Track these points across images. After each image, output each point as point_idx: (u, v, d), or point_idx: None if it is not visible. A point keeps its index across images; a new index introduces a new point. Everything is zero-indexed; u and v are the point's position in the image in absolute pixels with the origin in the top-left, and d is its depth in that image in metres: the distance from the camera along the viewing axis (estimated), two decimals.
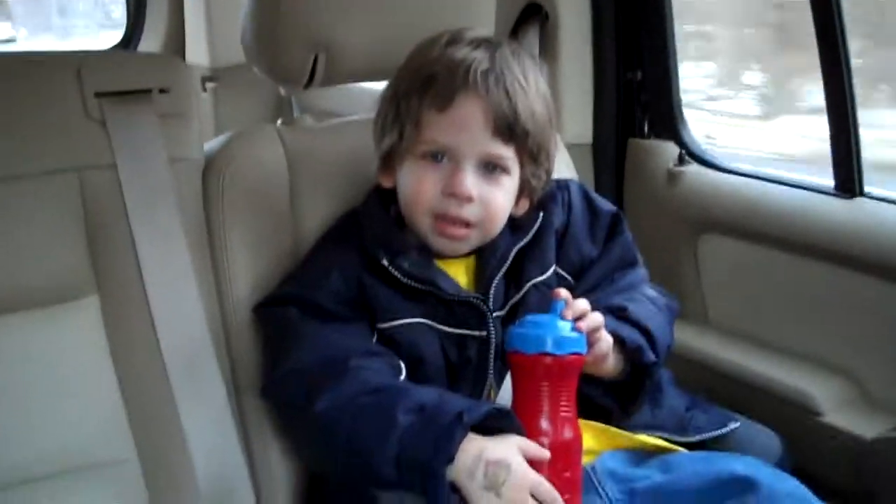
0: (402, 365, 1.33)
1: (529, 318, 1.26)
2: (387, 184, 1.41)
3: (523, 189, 1.40)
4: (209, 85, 2.93)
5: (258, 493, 1.41)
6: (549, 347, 1.21)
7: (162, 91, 1.43)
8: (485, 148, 1.33)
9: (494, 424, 1.20)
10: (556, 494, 1.18)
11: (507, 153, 1.34)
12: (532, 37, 2.01)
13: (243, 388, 1.44)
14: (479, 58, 1.32)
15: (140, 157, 1.40)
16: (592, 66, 2.05)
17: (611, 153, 2.06)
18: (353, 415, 1.23)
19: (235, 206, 1.46)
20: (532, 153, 1.36)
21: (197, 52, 2.97)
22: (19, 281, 1.33)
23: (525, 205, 1.42)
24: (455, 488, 1.18)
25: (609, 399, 1.35)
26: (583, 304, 1.26)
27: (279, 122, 1.60)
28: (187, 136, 1.47)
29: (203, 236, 1.45)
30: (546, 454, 1.20)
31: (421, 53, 1.37)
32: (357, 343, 1.32)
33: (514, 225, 1.42)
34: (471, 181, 1.32)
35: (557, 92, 2.03)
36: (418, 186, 1.35)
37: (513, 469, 1.17)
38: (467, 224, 1.35)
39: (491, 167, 1.34)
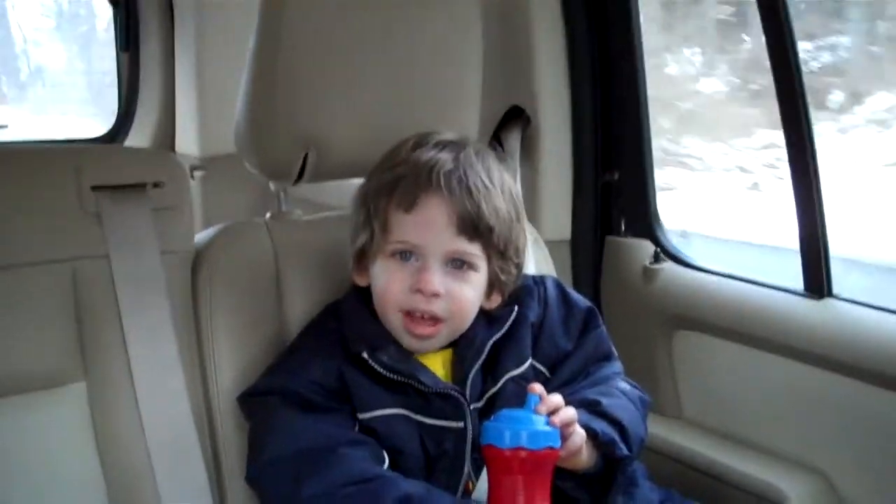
0: (385, 454, 1.35)
1: (504, 412, 1.29)
2: (361, 282, 1.46)
3: (493, 284, 1.44)
4: (197, 174, 2.98)
5: None
6: (523, 442, 1.24)
7: (156, 185, 1.48)
8: (450, 246, 1.38)
9: None
10: None
11: (473, 250, 1.39)
12: (514, 138, 2.07)
13: (227, 477, 1.46)
14: (444, 159, 1.38)
15: (132, 249, 1.44)
16: (572, 167, 2.12)
17: (588, 250, 2.12)
18: (340, 503, 1.26)
19: (223, 297, 1.50)
20: (499, 249, 1.41)
21: (186, 142, 3.03)
22: (8, 366, 1.36)
23: (497, 299, 1.47)
24: None
25: (583, 492, 1.37)
26: (556, 398, 1.29)
27: (268, 215, 1.65)
28: (178, 229, 1.51)
29: (190, 326, 1.49)
30: None
31: (389, 156, 1.44)
32: (341, 432, 1.35)
33: (490, 318, 1.46)
34: (437, 278, 1.37)
35: (537, 190, 2.10)
36: (387, 284, 1.39)
37: None
38: (435, 319, 1.39)
39: (458, 264, 1.39)
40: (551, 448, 1.26)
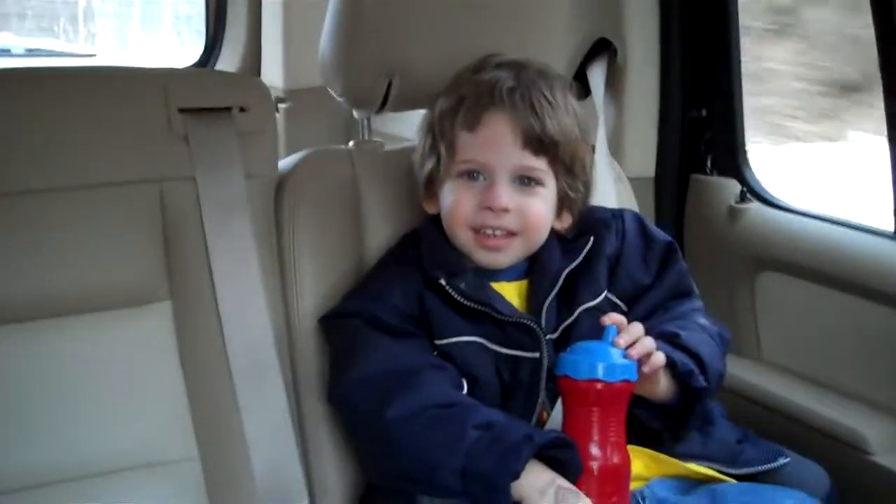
0: (464, 381, 1.37)
1: (580, 344, 1.29)
2: (431, 210, 1.48)
3: (563, 202, 1.45)
4: (282, 106, 3.00)
5: (312, 499, 1.45)
6: (599, 374, 1.24)
7: (242, 110, 1.49)
8: (516, 161, 1.39)
9: (557, 455, 1.24)
10: None
11: (540, 165, 1.40)
12: (599, 71, 2.04)
13: (305, 397, 1.49)
14: (505, 77, 1.40)
15: (218, 172, 1.46)
16: (658, 102, 2.08)
17: (673, 188, 2.09)
18: (423, 424, 1.28)
19: (305, 222, 1.52)
20: (565, 164, 1.42)
21: (272, 73, 3.05)
22: (97, 283, 1.40)
23: (568, 218, 1.47)
24: None
25: (659, 422, 1.37)
26: (636, 329, 1.29)
27: (350, 143, 1.66)
28: (263, 154, 1.53)
29: (273, 250, 1.51)
30: None
31: (452, 81, 1.45)
32: (423, 357, 1.37)
33: (565, 249, 1.46)
34: (505, 194, 1.38)
35: (622, 126, 2.07)
36: (456, 203, 1.41)
37: (582, 499, 1.21)
38: (508, 234, 1.40)
39: (525, 180, 1.40)
40: (627, 381, 1.26)
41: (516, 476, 1.21)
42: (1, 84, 1.40)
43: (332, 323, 1.46)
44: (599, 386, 1.24)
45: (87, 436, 1.36)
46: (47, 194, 1.37)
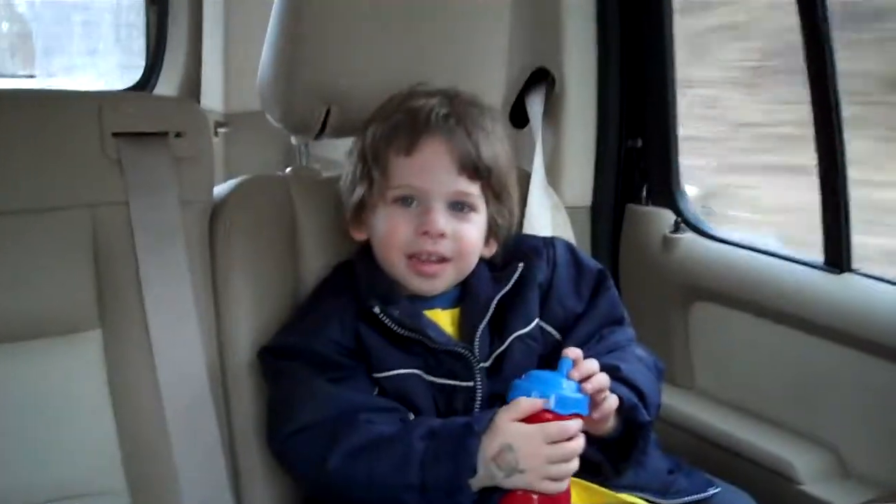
0: (410, 414, 1.37)
1: (536, 372, 1.31)
2: (359, 236, 1.48)
3: (490, 229, 1.46)
4: (221, 130, 2.98)
5: None
6: (552, 406, 1.25)
7: (178, 135, 1.47)
8: (452, 186, 1.40)
9: None
10: (561, 425, 1.25)
11: (474, 190, 1.42)
12: (538, 100, 2.06)
13: (238, 430, 1.47)
14: (438, 104, 1.41)
15: (152, 197, 1.44)
16: (595, 132, 2.10)
17: (609, 217, 2.11)
18: (369, 457, 1.29)
19: (240, 249, 1.51)
20: (495, 191, 1.44)
21: (212, 97, 3.03)
22: (26, 310, 1.37)
23: (494, 245, 1.48)
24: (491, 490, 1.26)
25: (600, 455, 1.38)
26: (591, 364, 1.30)
27: (288, 170, 1.65)
28: (199, 180, 1.51)
29: (207, 278, 1.49)
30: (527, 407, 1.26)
31: (381, 109, 1.47)
32: (364, 398, 1.37)
33: (495, 276, 1.47)
34: (442, 218, 1.39)
35: (560, 155, 2.08)
36: (392, 230, 1.41)
37: (514, 445, 1.24)
38: (442, 259, 1.40)
39: (459, 206, 1.41)
40: (578, 415, 1.27)
41: (474, 471, 1.24)
42: None
43: (271, 363, 1.44)
44: (549, 416, 1.25)
45: (15, 465, 1.33)
46: None
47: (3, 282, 1.35)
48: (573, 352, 1.30)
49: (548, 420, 1.25)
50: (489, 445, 1.25)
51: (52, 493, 1.34)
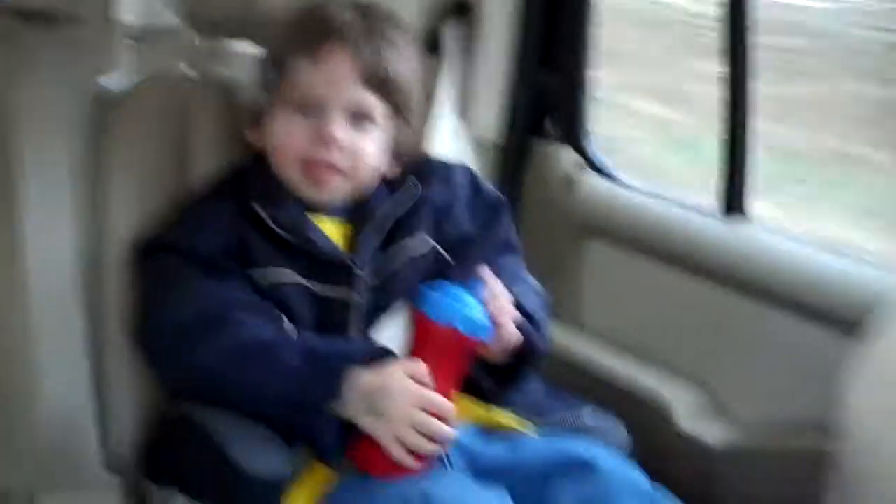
0: (283, 316, 1.34)
1: (449, 286, 1.29)
2: (255, 141, 1.44)
3: (392, 148, 1.44)
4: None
5: (103, 437, 1.40)
6: (458, 324, 1.25)
7: (71, 19, 1.42)
8: (353, 97, 1.37)
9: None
10: (443, 401, 1.24)
11: (376, 104, 1.39)
12: (452, 30, 2.03)
13: (108, 328, 1.42)
14: (350, 14, 1.39)
15: (33, 83, 1.39)
16: (507, 66, 2.08)
17: (515, 152, 2.10)
18: (238, 363, 1.26)
19: (127, 145, 1.46)
20: (398, 108, 1.41)
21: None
22: None
23: (395, 166, 1.46)
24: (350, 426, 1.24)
25: (488, 381, 1.39)
26: (504, 293, 1.31)
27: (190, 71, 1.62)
28: (91, 70, 1.48)
29: (89, 169, 1.44)
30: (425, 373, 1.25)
31: (294, 15, 1.43)
32: (237, 295, 1.33)
33: (392, 195, 1.45)
34: (340, 128, 1.36)
35: (470, 87, 2.04)
36: (288, 136, 1.38)
37: (393, 392, 1.22)
38: (336, 170, 1.38)
39: (359, 117, 1.38)
40: (479, 339, 1.27)
41: (335, 395, 1.23)
42: None
43: (146, 257, 1.41)
44: (454, 335, 1.25)
45: None
46: None
47: None
48: (486, 274, 1.30)
49: (450, 338, 1.25)
50: (370, 380, 1.24)
51: None
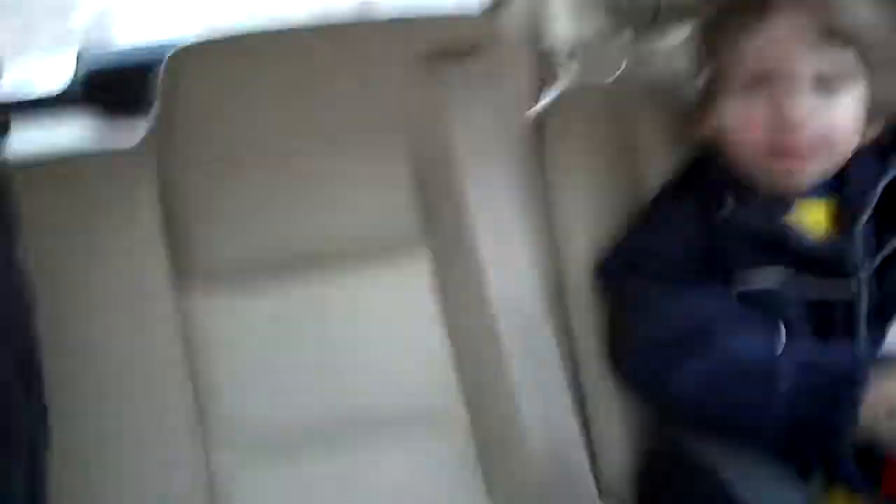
0: (781, 325, 1.18)
1: None
2: (705, 131, 1.28)
3: (869, 106, 1.20)
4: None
5: (594, 468, 1.33)
6: None
7: (486, 51, 1.38)
8: (815, 63, 1.16)
9: None
10: None
11: (841, 64, 1.16)
12: None
13: (581, 352, 1.37)
14: None
15: (471, 114, 1.38)
16: None
17: None
18: (724, 383, 1.13)
19: (569, 162, 1.41)
20: (871, 59, 1.17)
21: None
22: (351, 233, 1.36)
23: (877, 126, 1.22)
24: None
25: None
26: None
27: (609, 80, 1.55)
28: (516, 95, 1.48)
29: (535, 193, 1.41)
30: None
31: None
32: (720, 305, 1.20)
33: (880, 157, 1.23)
34: (803, 103, 1.16)
35: None
36: (743, 123, 1.20)
37: None
38: (808, 150, 1.18)
39: (825, 80, 1.17)
40: None
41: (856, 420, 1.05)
42: (265, 46, 1.36)
43: (607, 275, 1.32)
44: None
45: (353, 387, 1.33)
46: (303, 146, 1.35)
47: (324, 202, 1.35)
48: None
49: None
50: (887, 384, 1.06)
51: (394, 412, 1.33)
